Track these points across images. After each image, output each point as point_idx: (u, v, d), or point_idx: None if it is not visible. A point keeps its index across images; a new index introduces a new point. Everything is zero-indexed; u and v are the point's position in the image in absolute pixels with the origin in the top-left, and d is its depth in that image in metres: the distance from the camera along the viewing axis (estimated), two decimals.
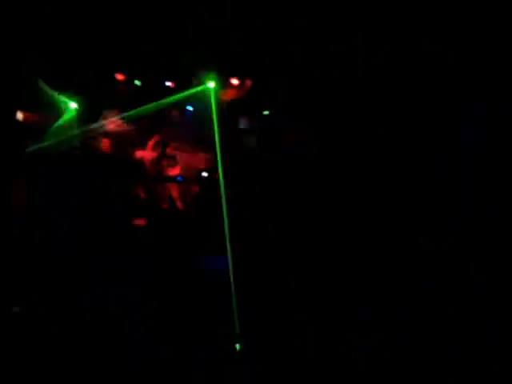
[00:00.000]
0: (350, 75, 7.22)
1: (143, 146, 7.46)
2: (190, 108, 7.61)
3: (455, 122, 6.81)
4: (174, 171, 7.39)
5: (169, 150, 7.48)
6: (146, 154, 7.46)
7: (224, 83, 7.45)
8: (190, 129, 7.65)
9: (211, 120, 7.48)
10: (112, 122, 7.43)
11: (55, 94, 7.15)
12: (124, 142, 7.43)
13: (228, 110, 7.49)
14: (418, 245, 6.30)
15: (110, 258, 6.12)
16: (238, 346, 5.31)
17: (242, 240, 6.52)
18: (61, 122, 7.27)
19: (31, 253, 6.11)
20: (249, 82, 7.46)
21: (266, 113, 7.55)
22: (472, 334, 5.36)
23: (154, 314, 5.56)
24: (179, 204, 7.25)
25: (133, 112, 7.48)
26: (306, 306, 5.76)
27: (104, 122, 7.40)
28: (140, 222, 6.93)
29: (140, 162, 7.38)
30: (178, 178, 7.36)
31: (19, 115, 7.04)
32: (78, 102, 7.29)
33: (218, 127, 7.34)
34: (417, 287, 5.93)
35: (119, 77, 7.38)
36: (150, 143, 7.42)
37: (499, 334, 5.34)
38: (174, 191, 7.33)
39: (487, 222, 6.32)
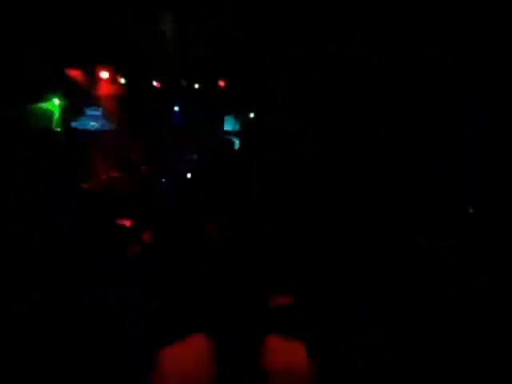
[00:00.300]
0: (349, 75, 7.22)
1: (130, 145, 7.48)
2: (176, 108, 7.64)
3: (455, 122, 6.81)
4: (162, 171, 7.41)
5: (156, 151, 7.53)
6: (132, 153, 7.47)
7: (212, 84, 7.50)
8: (177, 128, 7.69)
9: (199, 120, 7.53)
10: (96, 120, 7.44)
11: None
12: (109, 141, 7.44)
13: (215, 110, 7.52)
14: (418, 245, 6.31)
15: (110, 258, 6.12)
16: None
17: (239, 238, 6.52)
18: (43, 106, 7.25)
19: (31, 253, 6.12)
20: (234, 85, 7.48)
21: (251, 115, 7.58)
22: (472, 334, 5.35)
23: (153, 314, 5.56)
24: (166, 204, 7.27)
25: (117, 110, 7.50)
26: (306, 306, 5.75)
27: (87, 118, 7.41)
28: (126, 222, 6.92)
29: (127, 161, 7.37)
30: (163, 180, 7.37)
31: None
32: (61, 98, 7.30)
33: (205, 128, 7.38)
34: (417, 287, 5.93)
35: (103, 74, 7.38)
36: (137, 143, 7.44)
37: (499, 333, 5.34)
38: (159, 191, 7.35)
39: (487, 222, 6.32)
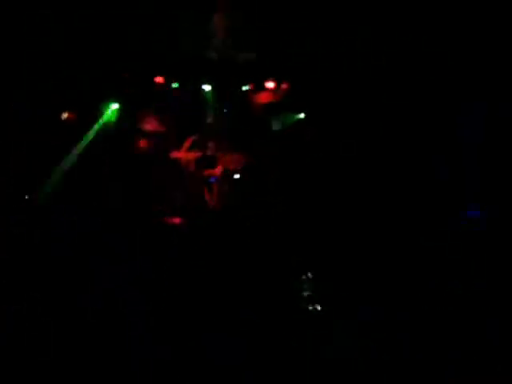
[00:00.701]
0: (350, 75, 7.22)
1: (179, 148, 7.64)
2: (225, 110, 7.77)
3: (455, 122, 6.81)
4: (216, 172, 7.53)
5: (209, 152, 7.65)
6: (181, 154, 7.62)
7: (260, 86, 7.59)
8: (226, 130, 7.80)
9: (247, 122, 7.63)
10: (150, 123, 7.62)
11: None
12: (161, 143, 7.61)
13: (263, 113, 7.60)
14: (418, 245, 6.30)
15: (110, 258, 6.14)
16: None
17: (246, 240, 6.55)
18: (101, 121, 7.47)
19: (31, 253, 6.13)
20: (285, 86, 7.55)
21: (300, 116, 7.62)
22: (472, 334, 5.35)
23: (153, 314, 5.56)
24: (212, 203, 7.38)
25: (170, 114, 7.69)
26: (306, 306, 5.76)
27: (142, 122, 7.61)
28: (175, 220, 7.06)
29: (175, 163, 7.55)
30: (211, 179, 7.51)
31: (64, 115, 7.26)
32: (118, 103, 7.50)
33: (253, 129, 7.49)
34: (417, 287, 5.93)
35: (158, 79, 7.59)
36: (185, 145, 7.58)
37: (499, 333, 5.34)
38: (207, 191, 7.47)
39: (487, 222, 6.32)
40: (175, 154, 7.62)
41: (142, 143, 7.55)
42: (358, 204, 6.83)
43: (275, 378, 5.00)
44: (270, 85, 7.59)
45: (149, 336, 5.26)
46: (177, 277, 6.06)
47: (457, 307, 5.60)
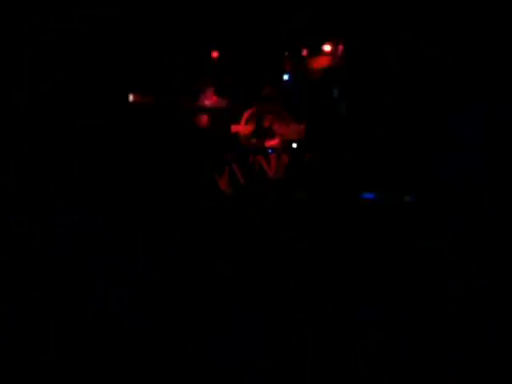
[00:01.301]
0: (349, 74, 7.22)
1: (238, 121, 7.55)
2: (286, 77, 7.60)
3: (455, 122, 6.81)
4: (273, 142, 7.44)
5: (266, 123, 7.55)
6: (240, 128, 7.54)
7: (316, 50, 7.42)
8: (284, 99, 7.67)
9: (304, 90, 7.48)
10: (209, 98, 7.57)
11: None
12: (221, 118, 7.54)
13: (320, 79, 7.45)
14: (418, 245, 6.31)
15: (110, 257, 6.14)
16: None
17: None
18: None
19: (31, 253, 6.12)
20: (340, 48, 7.37)
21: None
22: (472, 334, 5.35)
23: (154, 314, 5.57)
24: (270, 175, 7.32)
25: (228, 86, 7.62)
26: (306, 306, 5.76)
27: (201, 98, 7.56)
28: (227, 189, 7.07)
29: (235, 137, 7.49)
30: (269, 151, 7.42)
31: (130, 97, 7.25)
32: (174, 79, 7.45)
33: (310, 97, 7.35)
34: (417, 287, 5.93)
35: (214, 54, 7.52)
36: (244, 117, 7.49)
37: (499, 333, 5.34)
38: (265, 163, 7.40)
39: (487, 222, 6.32)
40: (234, 128, 7.55)
41: (203, 119, 7.52)
42: (358, 203, 6.84)
43: (277, 377, 5.01)
44: (327, 48, 7.34)
45: (151, 336, 5.26)
46: (179, 276, 6.06)
47: (457, 307, 5.60)
